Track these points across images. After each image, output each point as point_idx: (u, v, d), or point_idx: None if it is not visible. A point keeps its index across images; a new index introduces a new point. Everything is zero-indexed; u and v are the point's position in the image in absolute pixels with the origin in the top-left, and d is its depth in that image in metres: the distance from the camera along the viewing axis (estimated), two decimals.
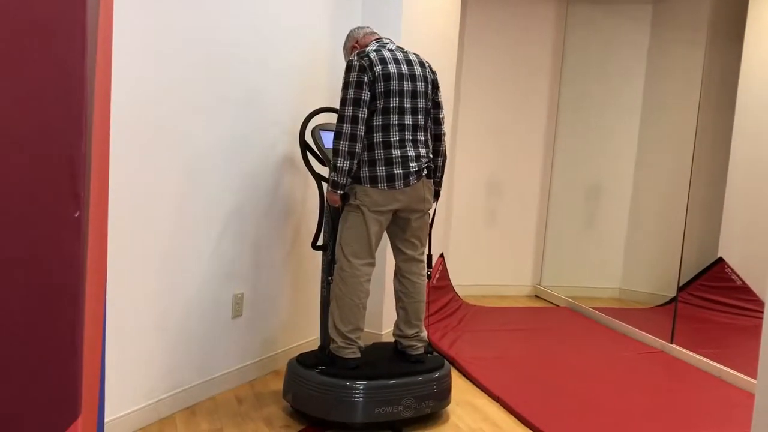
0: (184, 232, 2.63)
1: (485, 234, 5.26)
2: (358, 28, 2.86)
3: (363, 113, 2.55)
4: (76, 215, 0.94)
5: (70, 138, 0.93)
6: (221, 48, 2.71)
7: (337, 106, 3.50)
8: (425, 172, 2.67)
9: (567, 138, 5.24)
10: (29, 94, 0.92)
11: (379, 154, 2.58)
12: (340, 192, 2.60)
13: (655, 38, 4.94)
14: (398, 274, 2.82)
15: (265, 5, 2.93)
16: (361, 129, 2.55)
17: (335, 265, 2.69)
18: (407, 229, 2.74)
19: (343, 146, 2.54)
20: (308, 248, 3.40)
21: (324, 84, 3.42)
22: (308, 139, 3.17)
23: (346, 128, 2.53)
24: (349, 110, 2.54)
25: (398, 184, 2.58)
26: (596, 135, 5.15)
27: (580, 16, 5.15)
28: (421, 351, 2.80)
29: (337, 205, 2.67)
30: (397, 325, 2.83)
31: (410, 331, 2.79)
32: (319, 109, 3.03)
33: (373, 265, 2.67)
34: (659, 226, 4.84)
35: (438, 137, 2.80)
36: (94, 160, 1.08)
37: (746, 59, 4.26)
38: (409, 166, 2.60)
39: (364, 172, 2.59)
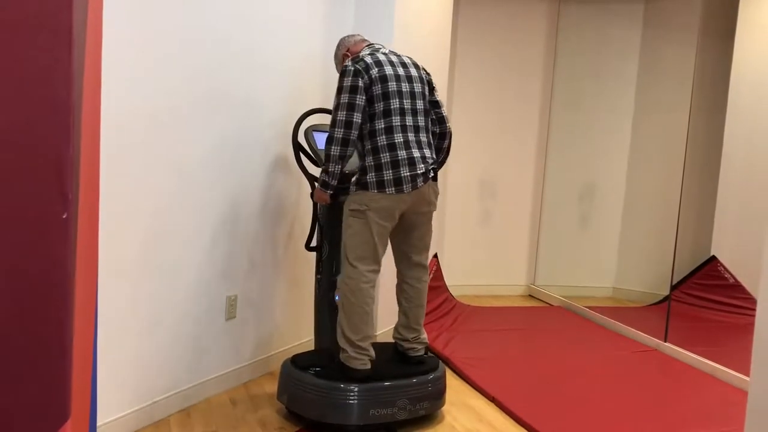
0: (177, 234, 2.62)
1: (479, 234, 5.26)
2: (348, 36, 2.82)
3: (357, 118, 2.50)
4: (64, 216, 0.93)
5: (56, 138, 0.92)
6: (215, 49, 2.70)
7: (330, 106, 3.49)
8: (431, 174, 2.62)
9: (560, 138, 5.25)
10: (13, 93, 0.91)
11: (385, 157, 2.53)
12: (329, 192, 2.61)
13: (646, 38, 4.96)
14: (400, 279, 2.79)
15: (258, 6, 2.92)
16: (354, 134, 2.51)
17: (339, 276, 2.63)
18: (411, 231, 2.70)
19: (334, 151, 2.51)
20: (302, 249, 3.39)
21: (317, 85, 3.42)
22: (301, 139, 3.17)
23: (338, 132, 2.50)
24: (342, 114, 2.50)
25: (406, 187, 2.53)
26: (589, 134, 5.16)
27: (572, 16, 5.17)
28: (421, 352, 2.79)
29: (326, 203, 2.68)
30: (397, 329, 2.80)
31: (410, 335, 2.77)
32: (312, 109, 3.03)
33: (378, 271, 2.62)
34: (652, 225, 4.85)
35: (443, 135, 2.75)
36: (84, 160, 1.07)
37: (737, 58, 4.28)
38: (417, 168, 2.55)
39: (371, 177, 2.53)
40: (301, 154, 2.99)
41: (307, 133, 2.92)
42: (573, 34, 5.16)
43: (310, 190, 2.99)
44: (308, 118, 3.19)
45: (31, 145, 0.91)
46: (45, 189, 0.92)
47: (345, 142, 2.50)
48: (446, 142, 2.78)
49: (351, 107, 2.50)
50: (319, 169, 3.09)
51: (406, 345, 2.78)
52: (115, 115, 2.28)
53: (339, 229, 2.93)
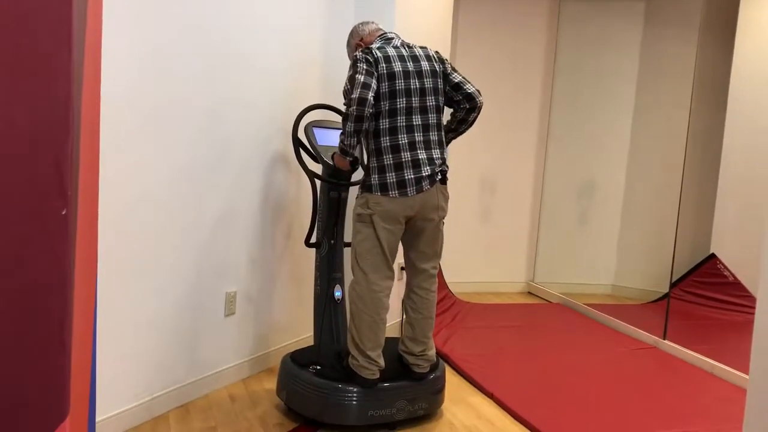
0: (176, 230, 2.62)
1: (478, 231, 5.26)
2: (362, 24, 2.75)
3: (371, 96, 2.44)
4: (63, 213, 0.93)
5: (56, 135, 0.92)
6: (214, 45, 2.70)
7: (330, 102, 3.49)
8: (439, 177, 2.55)
9: (560, 135, 5.25)
10: (13, 91, 0.90)
11: (388, 159, 2.49)
12: (349, 159, 2.57)
13: (647, 35, 4.95)
14: (408, 287, 2.72)
15: (258, 4, 2.91)
16: (368, 111, 2.44)
17: (352, 280, 2.59)
18: (418, 237, 2.63)
19: (349, 127, 2.45)
20: (301, 246, 3.39)
21: (317, 81, 3.41)
22: (301, 136, 3.16)
23: (352, 110, 2.43)
24: (356, 92, 2.43)
25: (410, 190, 2.48)
26: (589, 132, 5.16)
27: (572, 12, 5.16)
28: (426, 371, 2.68)
29: (347, 169, 2.67)
30: (403, 341, 2.70)
31: (417, 349, 2.67)
32: (312, 105, 3.02)
33: (391, 278, 2.57)
34: (652, 223, 4.85)
35: (473, 109, 2.64)
36: (83, 157, 1.07)
37: (738, 56, 4.28)
38: (421, 170, 2.50)
39: (374, 180, 2.50)
40: (301, 150, 2.98)
41: (307, 129, 2.92)
42: (573, 31, 5.15)
43: (310, 186, 2.98)
44: (308, 114, 3.18)
45: (31, 140, 0.91)
46: (44, 185, 0.91)
47: (359, 119, 2.44)
48: (474, 114, 2.67)
49: (366, 86, 2.44)
50: (320, 165, 3.10)
51: (412, 360, 2.68)
52: (114, 112, 2.27)
53: (339, 226, 2.93)
